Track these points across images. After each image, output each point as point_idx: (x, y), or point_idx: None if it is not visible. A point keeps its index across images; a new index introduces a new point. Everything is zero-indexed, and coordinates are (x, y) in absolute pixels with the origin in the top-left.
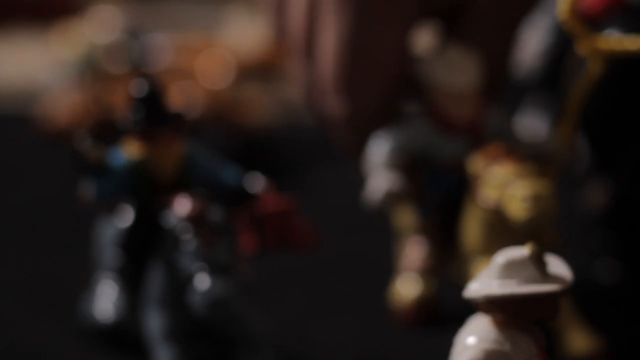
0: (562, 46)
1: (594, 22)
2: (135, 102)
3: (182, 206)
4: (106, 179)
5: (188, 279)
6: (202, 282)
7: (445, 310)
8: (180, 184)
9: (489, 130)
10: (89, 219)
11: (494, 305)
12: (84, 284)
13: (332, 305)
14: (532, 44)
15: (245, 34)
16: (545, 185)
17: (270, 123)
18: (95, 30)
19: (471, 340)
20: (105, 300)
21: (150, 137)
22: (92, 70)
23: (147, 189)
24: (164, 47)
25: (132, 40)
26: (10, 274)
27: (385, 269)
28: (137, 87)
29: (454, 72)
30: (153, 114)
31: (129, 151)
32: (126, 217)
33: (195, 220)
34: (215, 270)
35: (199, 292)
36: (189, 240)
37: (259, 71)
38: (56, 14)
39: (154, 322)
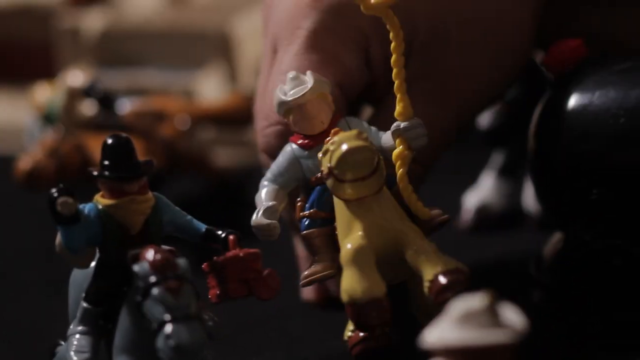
0: (526, 98)
1: (562, 73)
2: (104, 155)
3: (148, 256)
4: (76, 229)
5: (155, 327)
6: (168, 329)
7: None
8: (148, 234)
9: None
10: (66, 267)
11: (451, 353)
12: (61, 333)
13: (298, 349)
14: None
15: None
16: (353, 137)
17: (237, 166)
18: (64, 86)
19: None
20: (78, 350)
21: (119, 188)
22: (57, 119)
23: (116, 240)
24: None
25: (96, 91)
26: None
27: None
28: (106, 140)
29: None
30: (121, 166)
31: (98, 202)
32: (96, 267)
33: (162, 269)
34: (181, 317)
35: (165, 339)
36: (156, 289)
37: (223, 117)
38: (36, 74)
39: None
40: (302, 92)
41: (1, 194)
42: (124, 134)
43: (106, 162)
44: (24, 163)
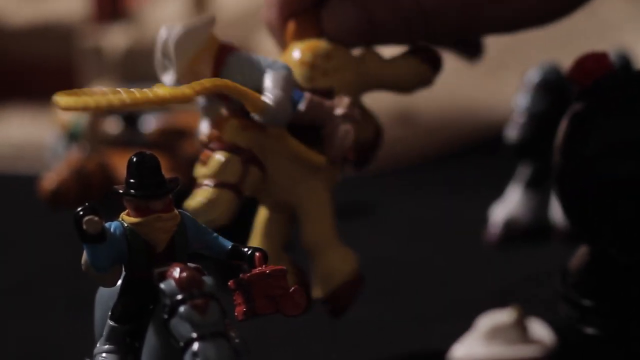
0: (552, 111)
1: (588, 85)
2: (129, 173)
3: (175, 274)
4: (102, 248)
5: (182, 345)
6: (195, 347)
7: None
8: (174, 252)
9: None
10: (91, 285)
11: None
12: (86, 351)
13: None
14: (521, 106)
15: None
16: None
17: None
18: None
19: None
20: None
21: (144, 206)
22: (82, 137)
23: (142, 258)
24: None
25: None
26: (10, 341)
27: (378, 330)
28: (131, 158)
29: None
30: (147, 184)
31: (124, 220)
32: (122, 285)
33: (188, 287)
34: (208, 335)
35: (192, 357)
36: (182, 307)
37: None
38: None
39: None
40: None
41: (25, 212)
42: (149, 152)
43: (132, 180)
44: (49, 182)
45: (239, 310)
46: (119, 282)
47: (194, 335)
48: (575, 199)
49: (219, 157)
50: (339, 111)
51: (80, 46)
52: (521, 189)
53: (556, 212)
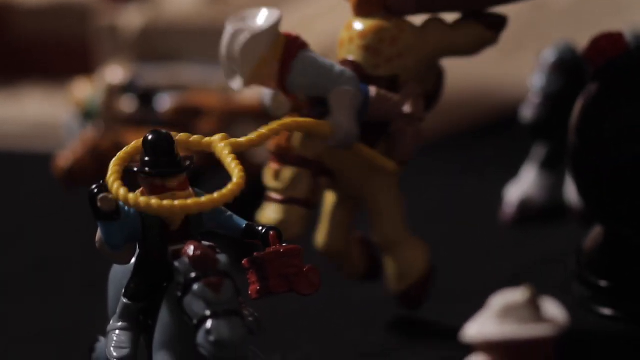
0: (567, 91)
1: (603, 66)
2: (144, 151)
3: (189, 251)
4: (117, 226)
5: (196, 323)
6: (209, 324)
7: None
8: (189, 230)
9: None
10: (106, 264)
11: (492, 347)
12: (99, 329)
13: (336, 346)
14: (536, 86)
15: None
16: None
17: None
18: (103, 83)
19: None
20: (118, 346)
21: (159, 184)
22: (97, 116)
23: (157, 236)
24: (169, 102)
25: (136, 87)
26: (25, 318)
27: (391, 308)
28: (146, 136)
29: None
30: (162, 162)
31: (133, 196)
32: (136, 263)
33: (202, 265)
34: (221, 313)
35: (206, 334)
36: (196, 285)
37: (262, 112)
38: (74, 71)
39: None
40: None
41: (41, 191)
42: (164, 130)
43: (147, 158)
44: (64, 160)
45: (253, 288)
46: (133, 260)
47: (208, 313)
48: (590, 179)
49: (290, 172)
50: (406, 109)
51: (95, 25)
52: (536, 169)
53: (571, 192)
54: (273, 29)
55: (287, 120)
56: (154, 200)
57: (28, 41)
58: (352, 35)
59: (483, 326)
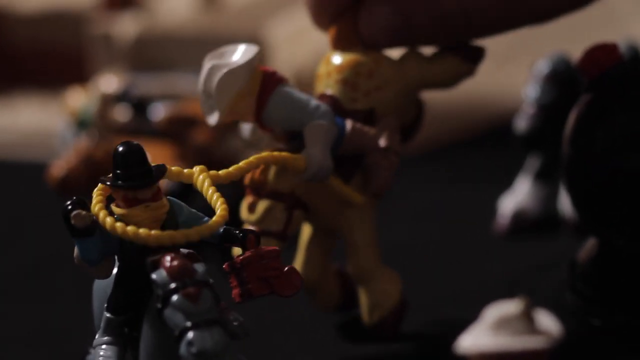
0: (561, 102)
1: (597, 76)
2: (115, 163)
3: (166, 263)
4: (92, 241)
5: (177, 335)
6: (190, 336)
7: None
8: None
9: None
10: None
11: (486, 359)
12: (92, 338)
13: (321, 347)
14: (530, 97)
15: None
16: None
17: None
18: (97, 92)
19: None
20: (105, 358)
21: (132, 197)
22: (91, 125)
23: (134, 248)
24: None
25: (130, 96)
26: (16, 327)
27: None
28: (116, 148)
29: None
30: (133, 174)
31: (113, 211)
32: (116, 276)
33: (179, 276)
34: (202, 323)
35: (187, 346)
36: (175, 296)
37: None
38: (68, 80)
39: None
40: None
41: (34, 200)
42: (134, 141)
43: (118, 171)
44: (58, 169)
45: (235, 292)
46: (114, 272)
47: (188, 324)
48: (583, 189)
49: (264, 205)
50: (382, 143)
51: (90, 33)
52: (530, 180)
53: (565, 203)
54: (249, 64)
55: (264, 154)
56: (129, 228)
57: (22, 49)
58: (329, 70)
59: (477, 338)
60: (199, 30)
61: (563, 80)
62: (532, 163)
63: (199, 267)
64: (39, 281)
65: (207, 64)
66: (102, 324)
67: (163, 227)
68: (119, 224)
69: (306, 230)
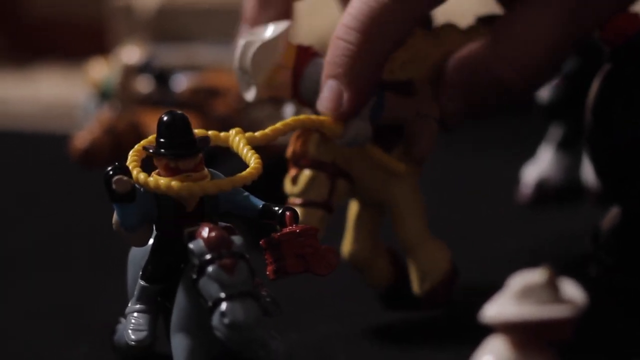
0: (584, 72)
1: (619, 46)
2: (160, 132)
3: (203, 233)
4: (132, 207)
5: (210, 305)
6: (223, 307)
7: None
8: (204, 211)
9: None
10: (120, 244)
11: (511, 328)
12: (117, 311)
13: (350, 326)
14: None
15: None
16: None
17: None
18: (119, 63)
19: None
20: (136, 329)
21: (174, 166)
22: (113, 96)
23: (172, 217)
24: (185, 82)
25: (152, 67)
26: (35, 295)
27: (408, 289)
28: (161, 117)
29: None
30: (177, 143)
31: (153, 179)
32: (152, 244)
33: (216, 246)
34: (236, 295)
35: (220, 317)
36: (211, 267)
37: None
38: (90, 51)
39: (180, 347)
40: None
41: (57, 171)
42: (179, 111)
43: (162, 140)
44: (81, 141)
45: (270, 269)
46: (151, 241)
47: (222, 295)
48: (606, 159)
49: (306, 175)
50: (421, 109)
51: (111, 5)
52: (553, 150)
53: (588, 172)
54: (282, 38)
55: (302, 116)
56: (173, 182)
57: (44, 22)
58: None
59: (502, 307)
60: (219, 1)
61: (586, 50)
62: (555, 133)
63: (237, 239)
64: (60, 252)
65: (240, 41)
66: (136, 292)
67: (202, 200)
68: (162, 181)
69: (353, 207)
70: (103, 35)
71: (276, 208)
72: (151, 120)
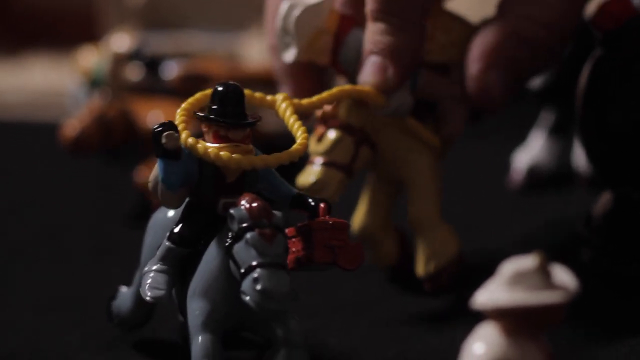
0: (575, 57)
1: (610, 31)
2: (213, 100)
3: (246, 202)
4: (177, 165)
5: (243, 271)
6: (257, 273)
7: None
8: (243, 184)
9: None
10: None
11: (502, 314)
12: (110, 291)
13: (343, 308)
14: None
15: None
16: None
17: (284, 130)
18: (110, 50)
19: (479, 348)
20: (154, 286)
21: (224, 134)
22: (103, 84)
23: (212, 184)
24: (175, 69)
25: (142, 55)
26: (35, 286)
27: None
28: (216, 87)
29: None
30: (231, 113)
31: (202, 145)
32: (184, 209)
33: (258, 215)
34: (271, 264)
35: (252, 282)
36: (250, 233)
37: (268, 79)
38: (80, 39)
39: (198, 311)
40: None
41: (47, 159)
42: (232, 82)
43: (214, 107)
44: (71, 129)
45: (292, 258)
46: (178, 210)
47: (256, 262)
48: (598, 143)
49: (333, 136)
50: (455, 91)
51: None
52: (544, 135)
53: (579, 158)
54: (326, 3)
55: (347, 86)
56: (223, 153)
57: (33, 10)
58: None
59: (493, 293)
60: None
61: (577, 35)
62: (546, 118)
63: (277, 213)
64: (52, 242)
65: (285, 4)
66: (158, 253)
67: (244, 172)
68: (212, 148)
69: (370, 181)
70: (93, 23)
71: (310, 199)
72: (141, 108)
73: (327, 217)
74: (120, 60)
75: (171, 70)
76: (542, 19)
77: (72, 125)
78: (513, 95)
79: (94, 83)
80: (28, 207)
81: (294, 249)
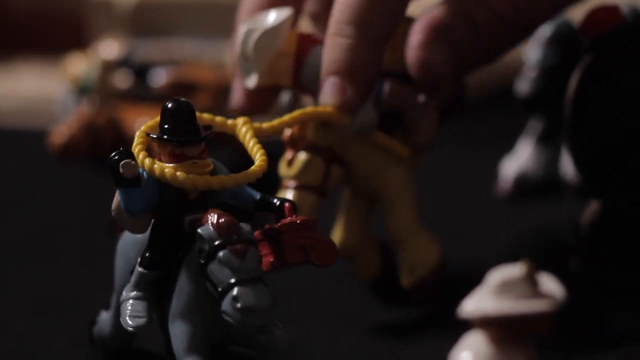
0: (563, 65)
1: (598, 38)
2: (164, 119)
3: (213, 219)
4: (137, 192)
5: (221, 290)
6: (235, 291)
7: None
8: (205, 199)
9: None
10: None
11: (489, 323)
12: (98, 303)
13: (330, 318)
14: (532, 60)
15: None
16: None
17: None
18: (98, 58)
19: (467, 356)
20: (134, 315)
21: (179, 152)
22: (92, 91)
23: (174, 204)
24: (164, 77)
25: (131, 62)
26: (20, 295)
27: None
28: (166, 104)
29: None
30: (183, 131)
31: (159, 167)
32: (151, 232)
33: (227, 232)
34: (247, 280)
35: (232, 301)
36: (222, 252)
37: None
38: (68, 46)
39: (181, 333)
40: None
41: (35, 167)
42: (183, 98)
43: (166, 126)
44: (59, 136)
45: (266, 261)
46: (147, 231)
47: (233, 280)
48: (586, 152)
49: (302, 158)
50: (421, 98)
51: (90, 0)
52: (532, 144)
53: (567, 166)
54: (284, 25)
55: (309, 109)
56: (179, 173)
57: (22, 16)
58: None
59: (480, 302)
60: None
61: (565, 43)
62: (534, 126)
63: (245, 226)
64: (41, 248)
65: (242, 28)
66: (132, 279)
67: None
68: (157, 165)
69: (346, 197)
70: (82, 30)
71: (274, 199)
72: (129, 116)
73: (294, 216)
74: (109, 68)
75: (159, 78)
76: (498, 9)
77: (61, 132)
78: (455, 82)
79: (82, 90)
80: (15, 213)
81: (264, 252)
